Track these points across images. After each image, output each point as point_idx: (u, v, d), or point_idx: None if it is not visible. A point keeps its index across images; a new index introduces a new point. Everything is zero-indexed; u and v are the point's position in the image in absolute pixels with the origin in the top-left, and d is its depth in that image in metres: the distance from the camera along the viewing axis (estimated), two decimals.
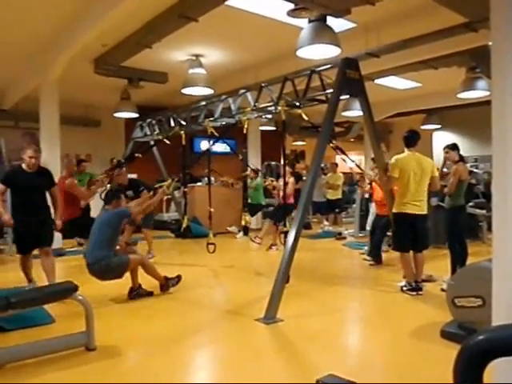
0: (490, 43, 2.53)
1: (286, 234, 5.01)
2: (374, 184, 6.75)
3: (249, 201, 9.82)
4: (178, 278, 5.11)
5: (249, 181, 9.85)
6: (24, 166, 4.82)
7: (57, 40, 6.45)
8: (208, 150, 6.81)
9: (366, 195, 8.52)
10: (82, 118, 10.81)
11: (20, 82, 8.49)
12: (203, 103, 7.69)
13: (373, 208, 7.63)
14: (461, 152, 5.51)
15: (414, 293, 4.87)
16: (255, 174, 9.70)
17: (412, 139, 5.05)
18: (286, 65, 6.96)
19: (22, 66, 7.73)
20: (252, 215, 9.92)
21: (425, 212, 4.99)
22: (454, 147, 5.44)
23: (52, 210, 5.08)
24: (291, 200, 7.66)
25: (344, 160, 6.07)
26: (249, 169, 9.60)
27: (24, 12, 5.60)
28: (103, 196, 5.50)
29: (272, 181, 8.64)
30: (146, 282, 4.92)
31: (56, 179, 6.69)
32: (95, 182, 7.21)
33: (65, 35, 6.19)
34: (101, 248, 4.50)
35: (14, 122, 9.98)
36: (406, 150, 5.05)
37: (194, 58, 7.49)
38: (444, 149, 5.52)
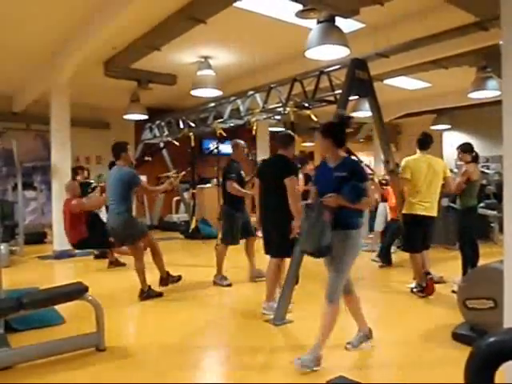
0: (501, 42, 2.51)
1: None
2: (388, 189, 6.73)
3: None
4: (179, 277, 5.21)
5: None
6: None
7: (67, 44, 6.51)
8: (217, 148, 6.83)
9: (376, 195, 8.47)
10: (92, 120, 10.90)
11: (31, 85, 8.59)
12: (212, 105, 7.72)
13: (380, 209, 7.59)
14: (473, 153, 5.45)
15: (425, 293, 4.83)
16: None
17: (426, 142, 5.03)
18: (294, 66, 6.95)
19: (33, 69, 7.81)
20: None
21: (434, 214, 4.94)
22: (466, 149, 5.38)
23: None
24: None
25: None
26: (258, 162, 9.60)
27: (35, 17, 5.66)
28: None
29: None
30: (155, 283, 4.95)
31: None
32: (105, 189, 7.26)
33: (75, 39, 6.25)
34: (118, 203, 4.71)
35: (25, 125, 10.10)
36: (418, 151, 5.02)
37: (202, 59, 7.51)
38: (457, 149, 5.48)
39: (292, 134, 4.57)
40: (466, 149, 5.37)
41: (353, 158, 3.49)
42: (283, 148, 4.36)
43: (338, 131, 3.20)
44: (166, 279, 5.04)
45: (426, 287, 4.84)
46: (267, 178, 4.36)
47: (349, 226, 3.06)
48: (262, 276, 5.15)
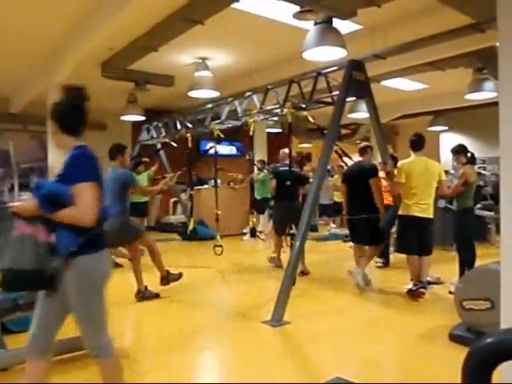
0: (498, 44, 2.52)
1: (292, 236, 5.00)
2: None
3: (255, 196, 9.81)
4: (180, 274, 5.15)
5: (256, 172, 9.83)
6: None
7: (64, 45, 6.49)
8: (214, 149, 6.83)
9: None
10: (89, 121, 10.83)
11: (28, 86, 8.56)
12: (209, 106, 7.72)
13: None
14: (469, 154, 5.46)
15: (409, 295, 4.84)
16: (263, 164, 9.68)
17: (418, 143, 5.03)
18: (292, 67, 6.95)
19: (31, 70, 7.79)
20: (261, 212, 9.89)
21: (430, 216, 4.95)
22: (458, 151, 5.40)
23: None
24: None
25: (346, 164, 5.99)
26: (255, 160, 9.63)
27: (32, 18, 5.65)
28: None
29: None
30: (153, 284, 4.94)
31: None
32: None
33: (72, 40, 6.23)
34: (112, 205, 4.26)
35: (22, 126, 10.07)
36: (412, 153, 5.03)
37: (200, 60, 7.50)
38: (451, 151, 5.50)
39: (369, 144, 5.80)
40: (459, 150, 5.39)
41: (82, 149, 2.26)
42: (361, 155, 5.50)
43: (65, 110, 2.26)
44: (167, 278, 5.02)
45: (413, 291, 4.83)
46: (354, 181, 5.36)
47: (66, 252, 2.06)
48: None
